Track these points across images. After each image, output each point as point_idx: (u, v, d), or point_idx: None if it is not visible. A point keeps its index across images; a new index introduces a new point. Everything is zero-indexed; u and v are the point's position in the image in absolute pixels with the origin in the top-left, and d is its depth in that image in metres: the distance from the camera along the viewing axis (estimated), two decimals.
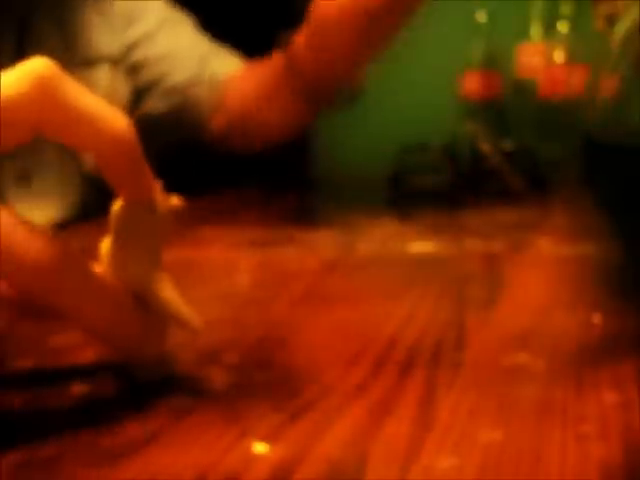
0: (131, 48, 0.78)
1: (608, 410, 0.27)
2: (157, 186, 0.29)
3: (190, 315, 0.28)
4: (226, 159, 0.90)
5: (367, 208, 0.75)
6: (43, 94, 0.25)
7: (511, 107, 0.96)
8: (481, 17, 0.97)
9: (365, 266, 0.51)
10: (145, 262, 0.28)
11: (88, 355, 0.32)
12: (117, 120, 0.26)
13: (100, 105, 0.26)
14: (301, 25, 0.68)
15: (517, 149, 0.86)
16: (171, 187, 0.31)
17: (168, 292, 0.28)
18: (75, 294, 0.26)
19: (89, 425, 0.26)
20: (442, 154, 0.86)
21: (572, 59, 0.92)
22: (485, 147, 0.85)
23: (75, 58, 0.73)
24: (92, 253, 0.29)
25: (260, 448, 0.24)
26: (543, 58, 0.94)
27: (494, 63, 0.97)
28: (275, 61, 0.73)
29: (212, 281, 0.47)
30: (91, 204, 0.71)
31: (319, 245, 0.56)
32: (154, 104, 0.79)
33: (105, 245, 0.29)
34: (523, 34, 0.97)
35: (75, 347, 0.33)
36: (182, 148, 0.84)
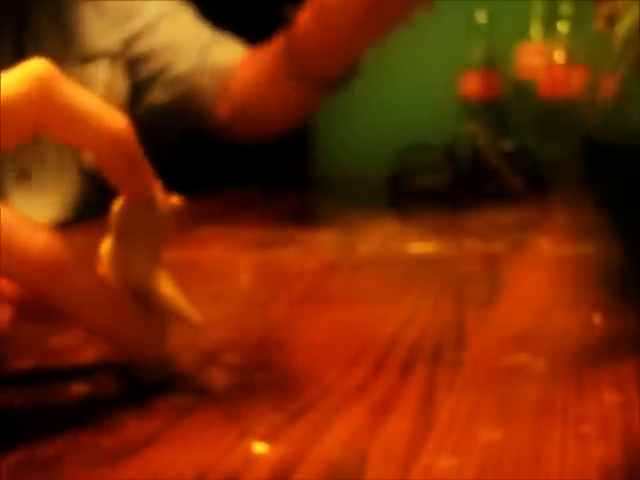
0: (132, 41, 0.78)
1: (608, 410, 0.27)
2: (158, 185, 0.29)
3: (191, 312, 0.29)
4: (226, 159, 0.90)
5: (367, 208, 0.75)
6: (42, 95, 0.25)
7: (511, 107, 0.96)
8: (481, 17, 0.97)
9: (365, 266, 0.51)
10: (146, 261, 0.28)
11: (88, 355, 0.32)
12: (116, 120, 0.26)
13: (99, 105, 0.26)
14: (304, 3, 0.67)
15: (517, 149, 0.86)
16: (171, 187, 0.31)
17: (169, 289, 0.28)
18: (77, 292, 0.26)
19: (89, 425, 0.26)
20: (442, 154, 0.86)
21: (572, 59, 0.92)
22: (485, 147, 0.85)
23: (74, 54, 0.73)
24: (92, 253, 0.29)
25: (260, 448, 0.24)
26: (543, 58, 0.94)
27: (494, 63, 0.97)
28: (275, 45, 0.73)
29: (212, 281, 0.47)
30: (91, 201, 0.71)
31: (319, 245, 0.56)
32: (158, 95, 0.79)
33: (106, 245, 0.29)
34: (523, 34, 0.97)
35: (75, 347, 0.33)
36: (186, 141, 0.83)
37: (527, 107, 0.94)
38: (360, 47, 0.68)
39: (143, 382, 0.29)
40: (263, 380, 0.30)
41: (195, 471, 0.23)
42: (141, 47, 0.79)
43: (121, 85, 0.77)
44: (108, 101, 0.27)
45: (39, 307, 0.26)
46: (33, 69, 0.25)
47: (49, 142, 0.27)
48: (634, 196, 0.38)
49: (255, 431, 0.25)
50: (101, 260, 0.29)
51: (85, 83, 0.26)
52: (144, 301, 0.28)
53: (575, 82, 0.90)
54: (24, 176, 0.70)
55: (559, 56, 0.93)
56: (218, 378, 0.30)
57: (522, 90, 0.96)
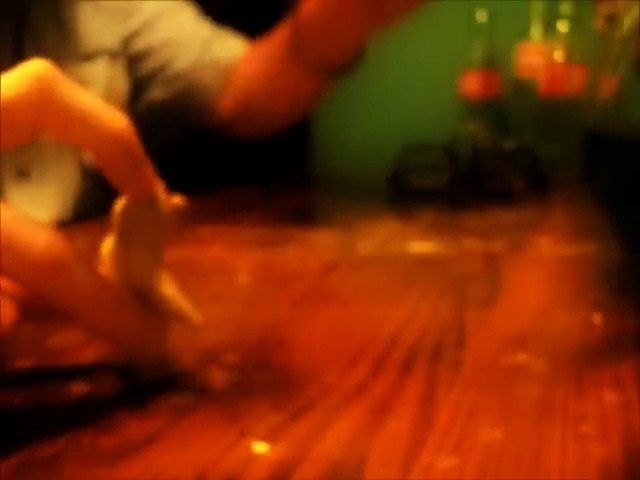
0: (131, 38, 0.78)
1: (608, 410, 0.27)
2: (159, 185, 0.29)
3: (191, 312, 0.29)
4: (227, 158, 0.90)
5: (367, 207, 0.75)
6: (42, 95, 0.25)
7: (511, 107, 0.96)
8: (481, 17, 0.97)
9: (365, 266, 0.51)
10: (147, 260, 0.28)
11: (88, 355, 0.32)
12: (116, 120, 0.26)
13: (99, 105, 0.26)
14: None
15: (517, 149, 0.86)
16: (172, 186, 0.31)
17: (169, 289, 0.28)
18: (78, 291, 0.26)
19: (89, 425, 0.26)
20: (442, 154, 0.86)
21: (572, 58, 0.92)
22: (485, 147, 0.85)
23: (73, 53, 0.73)
24: (94, 252, 0.29)
25: (260, 448, 0.24)
26: (543, 58, 0.94)
27: (494, 63, 0.97)
28: (281, 32, 0.73)
29: (212, 280, 0.47)
30: (91, 200, 0.71)
31: (319, 245, 0.56)
32: (158, 92, 0.79)
33: (107, 245, 0.29)
34: (523, 34, 0.97)
35: (75, 347, 0.33)
36: (186, 138, 0.83)
37: (527, 106, 0.94)
38: (364, 33, 0.68)
39: (143, 382, 0.29)
40: (263, 380, 0.30)
41: (195, 471, 0.23)
42: (140, 44, 0.79)
43: (121, 83, 0.77)
44: (108, 99, 0.27)
45: (40, 307, 0.26)
46: (33, 70, 0.26)
47: (49, 141, 0.27)
48: (633, 193, 0.38)
49: (255, 431, 0.25)
50: (102, 260, 0.29)
51: (85, 82, 0.27)
52: (145, 301, 0.28)
53: (575, 81, 0.90)
54: (24, 175, 0.70)
55: (559, 55, 0.94)
56: (218, 378, 0.30)
57: (522, 89, 0.96)
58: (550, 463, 0.23)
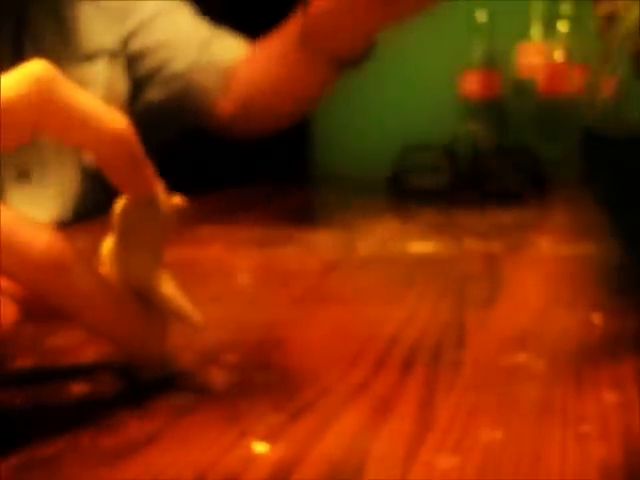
0: (129, 38, 0.78)
1: (608, 410, 0.27)
2: (159, 185, 0.29)
3: (191, 311, 0.29)
4: (227, 158, 0.90)
5: (367, 208, 0.75)
6: (42, 96, 0.25)
7: (511, 107, 0.96)
8: (481, 17, 0.97)
9: (365, 266, 0.51)
10: (147, 260, 0.28)
11: (88, 355, 0.32)
12: (116, 120, 0.26)
13: (98, 106, 0.26)
14: None
15: (517, 149, 0.86)
16: (172, 186, 0.31)
17: (169, 289, 0.28)
18: (78, 292, 0.26)
19: (89, 425, 0.26)
20: (442, 154, 0.86)
21: (572, 58, 0.92)
22: (485, 147, 0.85)
23: (73, 53, 0.73)
24: (94, 252, 0.29)
25: (260, 448, 0.24)
26: (543, 58, 0.94)
27: (494, 63, 0.97)
28: (291, 25, 0.72)
29: (212, 280, 0.47)
30: (92, 200, 0.71)
31: (319, 245, 0.56)
32: (156, 92, 0.79)
33: (107, 245, 0.29)
34: (523, 34, 0.97)
35: (75, 347, 0.33)
36: (185, 139, 0.83)
37: (527, 106, 0.94)
38: (375, 30, 0.68)
39: (143, 382, 0.29)
40: (263, 380, 0.30)
41: (195, 471, 0.23)
42: (137, 45, 0.79)
43: (121, 83, 0.77)
44: (108, 99, 0.27)
45: (41, 308, 0.26)
46: (33, 70, 0.26)
47: (49, 142, 0.27)
48: (634, 192, 0.38)
49: (255, 431, 0.25)
50: (102, 260, 0.29)
51: (85, 82, 0.27)
52: (145, 300, 0.28)
53: (575, 81, 0.90)
54: (24, 176, 0.70)
55: (559, 55, 0.94)
56: (218, 378, 0.30)
57: (522, 89, 0.96)
58: (550, 463, 0.23)
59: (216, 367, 0.31)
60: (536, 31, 0.96)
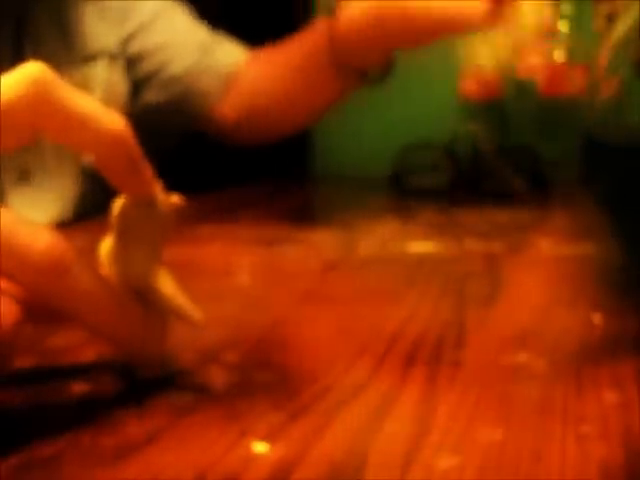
0: (128, 40, 0.78)
1: (608, 410, 0.27)
2: (158, 185, 0.29)
3: (191, 309, 0.29)
4: (227, 157, 0.90)
5: (368, 207, 0.75)
6: (39, 98, 0.25)
7: (511, 107, 0.96)
8: None
9: (365, 265, 0.51)
10: (146, 259, 0.28)
11: (88, 355, 0.32)
12: (113, 121, 0.26)
13: (96, 107, 0.26)
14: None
15: (517, 149, 0.86)
16: (172, 185, 0.31)
17: (169, 288, 0.28)
18: (78, 292, 0.26)
19: (89, 425, 0.26)
20: (442, 153, 0.86)
21: (572, 58, 0.92)
22: (485, 147, 0.85)
23: (73, 54, 0.73)
24: (92, 253, 0.29)
25: (260, 448, 0.24)
26: (543, 58, 0.94)
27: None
28: (310, 38, 0.72)
29: (212, 280, 0.47)
30: (92, 201, 0.71)
31: (320, 244, 0.56)
32: (154, 95, 0.79)
33: (105, 245, 0.29)
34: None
35: (75, 347, 0.33)
36: (185, 141, 0.83)
37: (527, 107, 0.94)
38: (403, 47, 0.69)
39: (143, 381, 0.29)
40: (263, 379, 0.30)
41: (195, 471, 0.23)
42: (136, 47, 0.79)
43: (121, 85, 0.77)
44: (108, 101, 0.27)
45: (41, 309, 0.26)
46: (30, 72, 0.26)
47: (49, 144, 0.27)
48: (634, 195, 0.38)
49: (255, 431, 0.25)
50: (101, 260, 0.29)
51: (85, 83, 0.27)
52: (144, 300, 0.28)
53: (575, 81, 0.90)
54: (24, 177, 0.70)
55: (559, 56, 0.94)
56: (218, 377, 0.30)
57: (522, 90, 0.96)
58: (550, 463, 0.23)
59: (216, 367, 0.31)
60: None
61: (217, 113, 0.79)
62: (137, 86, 0.79)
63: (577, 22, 0.93)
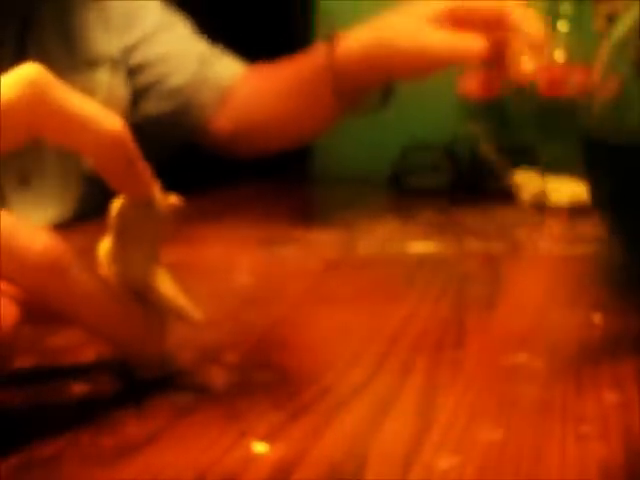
0: (130, 50, 0.78)
1: (608, 410, 0.27)
2: (156, 185, 0.29)
3: (191, 308, 0.29)
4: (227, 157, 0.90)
5: (368, 207, 0.75)
6: (36, 99, 0.25)
7: (511, 107, 0.96)
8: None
9: (365, 266, 0.51)
10: (145, 259, 0.28)
11: (88, 355, 0.32)
12: (111, 122, 0.26)
13: (94, 108, 0.26)
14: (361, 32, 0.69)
15: (517, 149, 0.86)
16: (170, 185, 0.31)
17: (168, 287, 0.28)
18: (77, 293, 0.26)
19: (89, 425, 0.26)
20: (442, 154, 0.86)
21: (572, 59, 0.92)
22: (485, 147, 0.85)
23: (76, 59, 0.73)
24: (92, 253, 0.29)
25: (260, 448, 0.24)
26: (543, 58, 0.94)
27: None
28: (309, 61, 0.72)
29: (212, 280, 0.47)
30: (91, 205, 0.71)
31: (320, 244, 0.56)
32: (153, 107, 0.79)
33: (104, 245, 0.29)
34: None
35: (75, 347, 0.33)
36: (181, 151, 0.83)
37: (527, 107, 0.94)
38: (402, 79, 0.70)
39: (143, 381, 0.29)
40: (263, 379, 0.30)
41: (195, 471, 0.23)
42: (138, 57, 0.79)
43: (122, 91, 0.77)
44: (109, 106, 0.27)
45: (41, 310, 0.26)
46: (27, 73, 0.26)
47: (50, 147, 0.27)
48: (634, 195, 0.38)
49: (255, 431, 0.25)
50: (100, 260, 0.29)
51: (86, 88, 0.27)
52: (143, 300, 0.28)
53: (575, 82, 0.90)
54: (25, 181, 0.70)
55: (559, 56, 0.93)
56: (218, 377, 0.30)
57: (522, 89, 0.95)
58: (550, 463, 0.23)
59: (216, 367, 0.31)
60: None
61: (213, 126, 0.79)
62: (136, 97, 0.79)
63: (577, 22, 0.93)
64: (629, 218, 0.39)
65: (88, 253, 0.28)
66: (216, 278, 0.47)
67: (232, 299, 0.43)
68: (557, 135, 0.90)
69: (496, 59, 0.66)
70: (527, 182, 0.78)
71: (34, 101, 0.25)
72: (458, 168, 0.85)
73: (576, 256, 0.53)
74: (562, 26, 0.94)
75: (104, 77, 0.75)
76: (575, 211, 0.70)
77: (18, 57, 0.69)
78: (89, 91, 0.27)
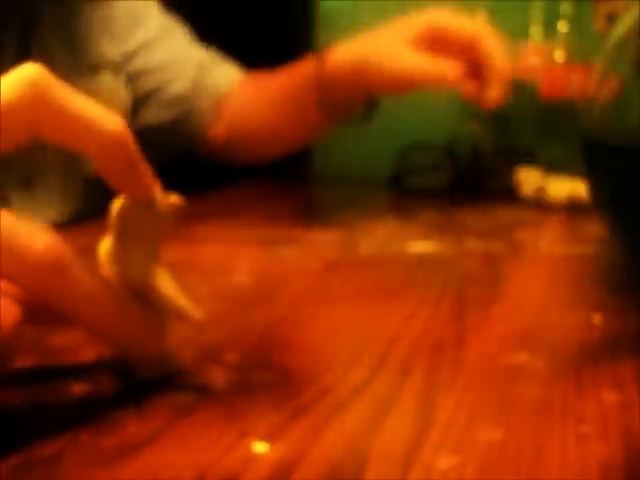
0: (130, 56, 0.78)
1: (608, 410, 0.27)
2: (157, 185, 0.29)
3: (191, 308, 0.29)
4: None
5: (368, 207, 0.75)
6: (36, 99, 0.25)
7: (511, 107, 0.96)
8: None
9: (366, 265, 0.51)
10: (145, 259, 0.28)
11: (88, 355, 0.32)
12: (112, 122, 0.26)
13: (94, 108, 0.26)
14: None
15: (517, 149, 0.86)
16: (171, 185, 0.31)
17: (168, 287, 0.28)
18: (77, 292, 0.26)
19: (89, 425, 0.26)
20: (442, 154, 0.86)
21: (572, 59, 0.92)
22: (485, 147, 0.85)
23: (78, 62, 0.73)
24: (92, 253, 0.29)
25: (260, 448, 0.24)
26: (543, 58, 0.94)
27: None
28: (298, 73, 0.73)
29: (212, 280, 0.47)
30: (93, 207, 0.71)
31: (320, 245, 0.56)
32: (152, 114, 0.79)
33: (104, 245, 0.29)
34: (523, 34, 0.97)
35: (75, 347, 0.33)
36: (179, 157, 0.83)
37: (527, 107, 0.94)
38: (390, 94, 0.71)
39: (143, 381, 0.29)
40: (263, 379, 0.30)
41: (195, 471, 0.23)
42: (139, 64, 0.79)
43: (125, 96, 0.77)
44: (111, 110, 0.27)
45: (41, 310, 0.26)
46: (27, 74, 0.26)
47: (52, 150, 0.27)
48: (634, 195, 0.38)
49: (255, 431, 0.25)
50: (100, 260, 0.29)
51: (90, 91, 0.27)
52: (143, 300, 0.28)
53: (575, 82, 0.90)
54: (27, 183, 0.70)
55: (559, 56, 0.93)
56: (218, 377, 0.30)
57: (522, 90, 0.95)
58: (550, 463, 0.23)
59: (216, 366, 0.31)
60: (536, 31, 0.96)
61: (210, 133, 0.80)
62: (136, 104, 0.79)
63: (577, 22, 0.93)
64: (629, 218, 0.39)
65: (88, 253, 0.28)
66: (216, 278, 0.47)
67: (232, 299, 0.43)
68: (557, 135, 0.90)
69: (475, 77, 0.68)
70: (528, 179, 0.78)
71: (35, 101, 0.25)
72: (458, 168, 0.85)
73: (576, 256, 0.53)
74: (562, 26, 0.94)
75: (107, 81, 0.75)
76: (575, 211, 0.70)
77: (21, 58, 0.69)
78: (91, 94, 0.27)
